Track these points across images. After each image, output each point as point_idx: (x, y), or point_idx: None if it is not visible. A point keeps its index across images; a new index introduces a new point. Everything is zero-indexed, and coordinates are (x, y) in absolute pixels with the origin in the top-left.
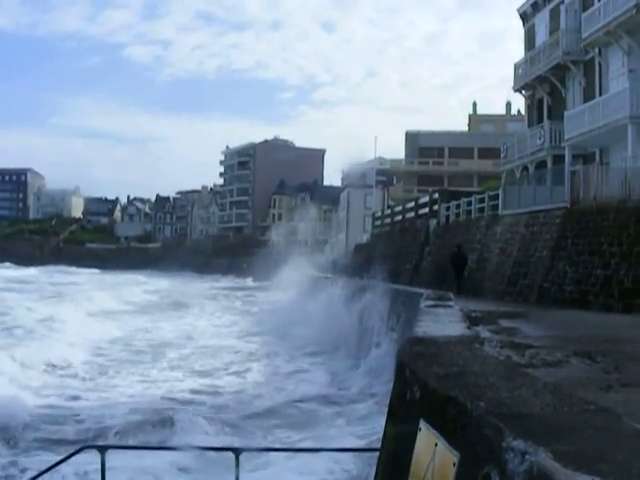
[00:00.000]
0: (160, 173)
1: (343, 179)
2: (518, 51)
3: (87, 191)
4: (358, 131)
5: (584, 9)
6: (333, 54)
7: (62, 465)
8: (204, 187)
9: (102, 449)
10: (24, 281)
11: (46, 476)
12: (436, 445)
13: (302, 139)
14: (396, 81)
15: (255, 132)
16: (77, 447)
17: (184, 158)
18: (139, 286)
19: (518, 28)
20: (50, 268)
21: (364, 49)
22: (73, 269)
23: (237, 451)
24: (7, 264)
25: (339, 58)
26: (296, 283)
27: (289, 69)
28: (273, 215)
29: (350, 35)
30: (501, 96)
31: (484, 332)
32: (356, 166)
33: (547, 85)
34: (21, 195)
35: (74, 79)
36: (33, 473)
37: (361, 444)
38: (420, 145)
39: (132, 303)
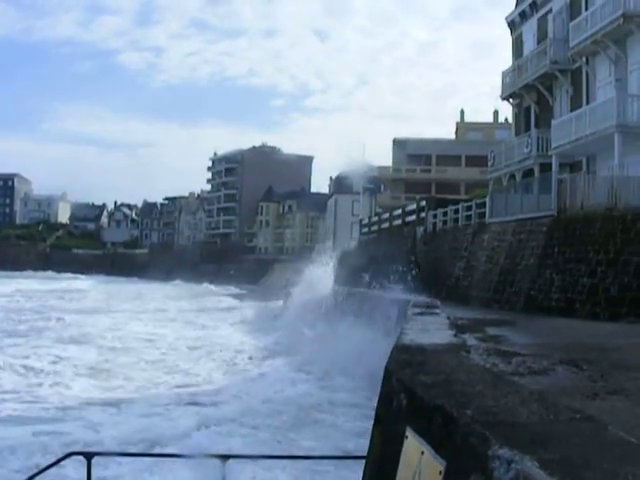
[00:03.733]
0: (149, 179)
1: (331, 186)
2: (508, 60)
3: (75, 197)
4: (349, 138)
5: (572, 18)
6: (326, 62)
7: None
8: (191, 193)
9: (88, 456)
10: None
11: None
12: (422, 453)
13: (293, 147)
14: (388, 89)
15: (246, 139)
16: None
17: (174, 164)
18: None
19: (508, 37)
20: (102, 278)
21: (357, 57)
22: (113, 278)
23: (224, 458)
24: (50, 272)
25: (332, 66)
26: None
27: (281, 76)
28: (260, 222)
29: (343, 43)
30: (492, 104)
31: (471, 340)
32: (345, 173)
33: (534, 93)
34: (8, 200)
35: (67, 85)
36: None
37: None
38: (408, 152)
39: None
